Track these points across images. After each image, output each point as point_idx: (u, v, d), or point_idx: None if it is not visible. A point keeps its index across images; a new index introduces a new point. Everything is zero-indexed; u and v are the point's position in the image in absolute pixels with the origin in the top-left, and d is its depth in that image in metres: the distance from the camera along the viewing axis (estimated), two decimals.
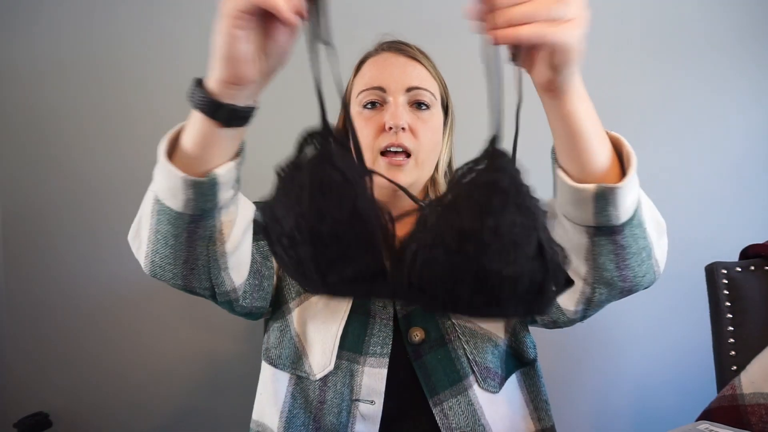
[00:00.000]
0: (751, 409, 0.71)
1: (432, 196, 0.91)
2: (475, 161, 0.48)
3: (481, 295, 0.46)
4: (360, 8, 1.27)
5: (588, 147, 0.57)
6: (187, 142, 0.58)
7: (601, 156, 0.58)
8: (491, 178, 0.46)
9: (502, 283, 0.45)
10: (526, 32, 0.46)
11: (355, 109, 0.87)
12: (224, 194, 0.63)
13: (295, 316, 0.83)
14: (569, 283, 0.51)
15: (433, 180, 0.91)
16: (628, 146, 0.61)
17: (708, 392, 0.89)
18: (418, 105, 0.85)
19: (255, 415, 0.87)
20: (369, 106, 0.85)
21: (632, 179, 0.58)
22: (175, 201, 0.60)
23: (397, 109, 0.82)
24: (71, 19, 1.26)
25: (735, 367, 0.91)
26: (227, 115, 0.56)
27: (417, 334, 0.80)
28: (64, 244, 1.28)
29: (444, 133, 0.91)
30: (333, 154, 0.49)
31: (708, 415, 0.74)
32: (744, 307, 0.95)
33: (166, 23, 1.27)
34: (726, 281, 0.96)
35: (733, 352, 0.93)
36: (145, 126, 1.28)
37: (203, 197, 0.60)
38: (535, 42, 0.47)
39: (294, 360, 0.82)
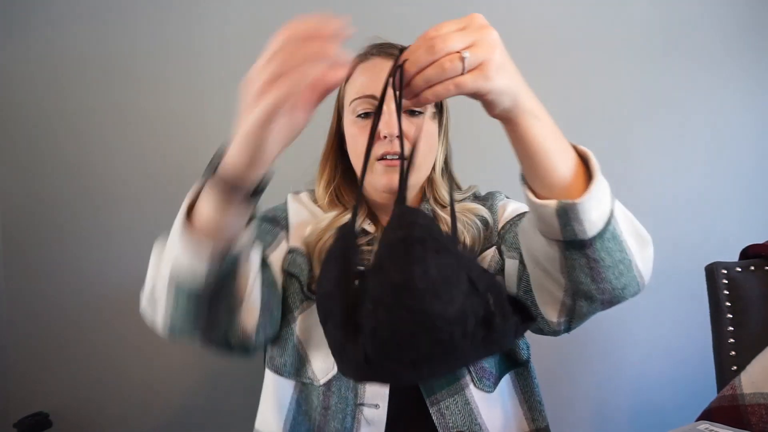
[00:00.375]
0: (752, 409, 0.71)
1: (429, 196, 0.91)
2: (389, 224, 0.50)
3: (438, 346, 0.46)
4: (360, 7, 1.26)
5: (547, 164, 0.58)
6: (205, 216, 0.59)
7: (563, 171, 0.58)
8: (404, 234, 0.47)
9: (451, 325, 0.45)
10: (440, 90, 0.49)
11: (348, 117, 0.87)
12: (243, 258, 0.64)
13: (298, 323, 0.83)
14: (530, 318, 0.52)
15: (430, 180, 0.91)
16: (593, 161, 0.59)
17: (708, 392, 0.89)
18: (411, 111, 0.84)
19: (258, 425, 0.86)
20: (362, 114, 0.84)
21: (594, 194, 0.57)
22: (194, 279, 0.60)
23: (391, 117, 0.81)
24: (76, 19, 1.26)
25: (735, 367, 0.91)
26: (247, 193, 0.58)
27: None
28: (65, 244, 1.28)
29: (440, 133, 0.91)
30: (351, 233, 0.52)
31: (708, 415, 0.74)
32: (744, 307, 0.95)
33: (172, 23, 1.27)
34: (726, 281, 0.96)
35: (733, 352, 0.93)
36: (147, 126, 1.28)
37: (225, 270, 0.62)
38: (454, 95, 0.50)
39: (298, 367, 0.82)
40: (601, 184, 0.58)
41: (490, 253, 0.87)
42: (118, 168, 1.28)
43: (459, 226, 0.86)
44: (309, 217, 0.91)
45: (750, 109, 1.30)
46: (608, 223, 0.60)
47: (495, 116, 0.56)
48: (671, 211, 1.30)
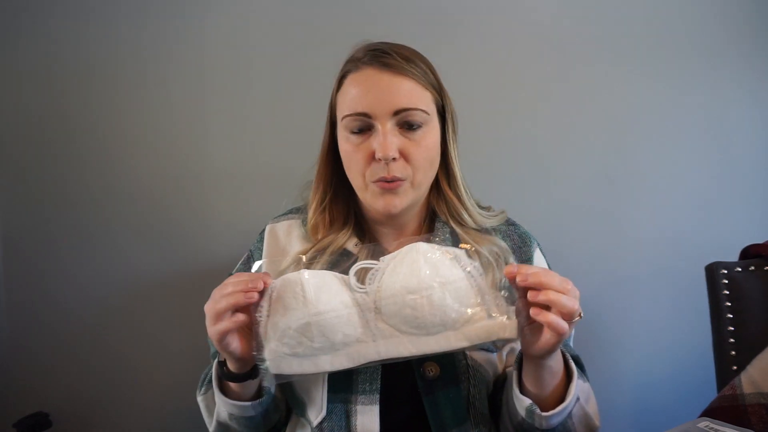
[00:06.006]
0: (752, 409, 0.71)
1: (444, 216, 0.86)
2: None
3: None
4: (362, 5, 1.26)
5: (548, 383, 0.70)
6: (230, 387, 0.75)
7: (553, 384, 0.71)
8: None
9: None
10: (551, 320, 0.60)
11: (341, 133, 0.81)
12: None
13: None
14: None
15: (442, 197, 0.86)
16: (571, 387, 0.70)
17: (708, 392, 0.89)
18: (409, 126, 0.78)
19: None
20: (356, 131, 0.79)
21: (561, 410, 0.69)
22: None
23: (386, 139, 0.76)
24: (75, 21, 1.26)
25: (735, 367, 0.91)
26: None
27: (431, 370, 0.78)
28: (65, 245, 1.28)
29: (447, 142, 0.84)
30: None
31: (708, 415, 0.73)
32: (744, 307, 0.95)
33: (175, 24, 1.27)
34: (726, 281, 0.96)
35: (733, 352, 0.93)
36: (149, 127, 1.28)
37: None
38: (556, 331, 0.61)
39: (302, 408, 0.82)
40: (570, 403, 0.70)
41: None
42: (119, 168, 1.28)
43: (491, 258, 0.82)
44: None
45: (751, 109, 1.30)
46: (565, 421, 0.72)
47: (540, 353, 0.65)
48: (671, 211, 1.30)
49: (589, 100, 1.29)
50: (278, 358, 0.63)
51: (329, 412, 0.77)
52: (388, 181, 0.78)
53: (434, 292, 0.62)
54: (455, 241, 0.84)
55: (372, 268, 0.65)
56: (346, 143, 0.81)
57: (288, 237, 0.89)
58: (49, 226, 1.28)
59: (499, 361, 0.84)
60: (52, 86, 1.27)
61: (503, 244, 0.86)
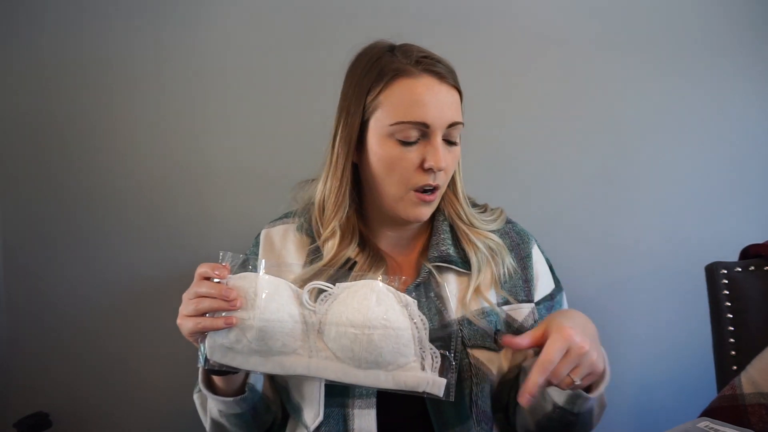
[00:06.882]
0: (752, 409, 0.71)
1: (447, 212, 0.88)
2: None
3: None
4: (363, 5, 1.26)
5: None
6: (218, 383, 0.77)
7: None
8: None
9: None
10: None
11: (384, 138, 0.78)
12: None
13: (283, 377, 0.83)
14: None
15: (446, 198, 0.87)
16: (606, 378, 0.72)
17: (708, 392, 0.89)
18: (449, 141, 0.80)
19: None
20: (410, 140, 0.77)
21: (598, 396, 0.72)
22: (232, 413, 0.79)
23: (439, 150, 0.77)
24: (74, 21, 1.26)
25: (735, 367, 0.91)
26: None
27: None
28: (64, 244, 1.28)
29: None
30: None
31: (708, 415, 0.73)
32: (744, 307, 0.95)
33: (171, 24, 1.27)
34: (726, 281, 0.96)
35: (733, 352, 0.93)
36: (148, 127, 1.28)
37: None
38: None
39: (299, 411, 0.82)
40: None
41: (528, 309, 0.86)
42: (119, 170, 1.28)
43: (487, 253, 0.85)
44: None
45: (751, 109, 1.30)
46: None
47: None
48: (671, 211, 1.30)
49: (590, 100, 1.29)
50: (216, 345, 0.66)
51: (326, 416, 0.78)
52: (429, 191, 0.79)
53: (375, 332, 0.65)
54: (454, 237, 0.87)
55: (326, 290, 0.69)
56: (392, 149, 0.78)
57: (283, 242, 0.88)
58: (48, 226, 1.28)
59: (504, 358, 0.84)
60: (50, 87, 1.27)
61: (499, 240, 0.88)
